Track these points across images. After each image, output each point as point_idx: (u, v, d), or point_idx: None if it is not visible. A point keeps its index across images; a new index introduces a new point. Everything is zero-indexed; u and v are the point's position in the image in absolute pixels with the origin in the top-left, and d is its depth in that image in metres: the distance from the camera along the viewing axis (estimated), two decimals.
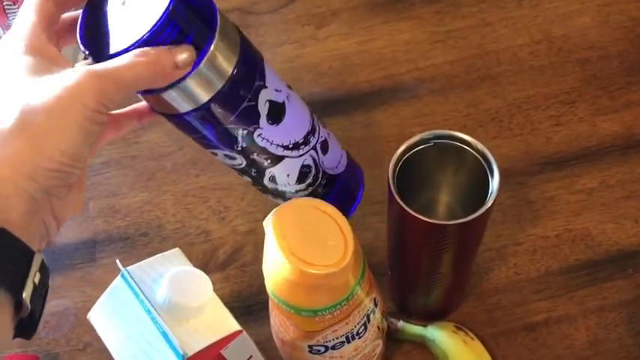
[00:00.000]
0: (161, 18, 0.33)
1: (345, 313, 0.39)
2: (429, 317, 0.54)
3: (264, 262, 0.37)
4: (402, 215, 0.41)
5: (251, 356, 0.42)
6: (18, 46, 0.33)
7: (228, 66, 0.37)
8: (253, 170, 0.44)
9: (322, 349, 0.42)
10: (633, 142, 0.63)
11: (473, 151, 0.41)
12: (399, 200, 0.40)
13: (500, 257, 0.58)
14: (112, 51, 0.34)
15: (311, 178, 0.45)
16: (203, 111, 0.38)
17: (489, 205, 0.39)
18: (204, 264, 0.59)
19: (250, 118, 0.39)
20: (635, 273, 0.57)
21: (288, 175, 0.44)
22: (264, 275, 0.38)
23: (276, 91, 0.41)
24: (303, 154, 0.43)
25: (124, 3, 0.36)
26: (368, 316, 0.43)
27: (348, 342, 0.42)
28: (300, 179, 0.44)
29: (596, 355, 0.54)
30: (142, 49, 0.33)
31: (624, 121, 0.64)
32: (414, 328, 0.53)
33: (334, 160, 0.47)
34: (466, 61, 0.68)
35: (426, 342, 0.53)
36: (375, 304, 0.44)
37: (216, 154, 0.43)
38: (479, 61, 0.68)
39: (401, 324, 0.54)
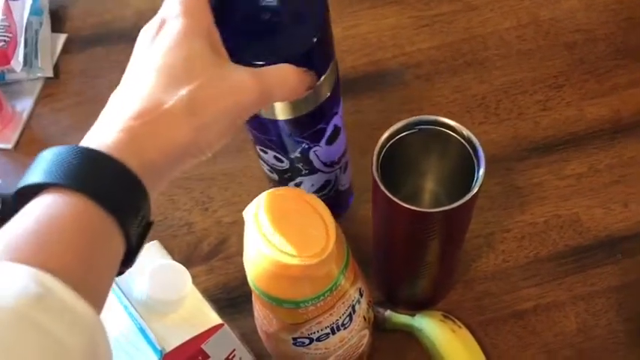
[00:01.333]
0: (311, 44, 0.35)
1: (329, 305, 0.38)
2: (417, 306, 0.54)
3: (245, 253, 0.36)
4: (387, 203, 0.40)
5: (234, 350, 0.41)
6: (191, 25, 0.32)
7: (324, 94, 0.40)
8: (289, 174, 0.47)
9: (307, 341, 0.41)
10: (621, 126, 0.62)
11: (458, 137, 0.40)
12: (383, 188, 0.39)
13: (488, 244, 0.57)
14: (254, 55, 0.34)
15: (326, 190, 0.50)
16: (286, 122, 0.41)
17: (475, 191, 0.38)
18: (187, 256, 0.58)
19: (317, 137, 0.44)
20: (624, 258, 0.56)
21: (312, 185, 0.49)
22: (245, 267, 0.37)
23: (340, 117, 0.45)
24: (331, 172, 0.49)
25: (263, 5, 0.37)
26: (353, 307, 0.42)
27: (333, 333, 0.41)
28: (319, 190, 0.50)
29: (586, 342, 0.53)
30: (295, 67, 0.34)
31: (612, 104, 0.63)
32: (402, 318, 0.53)
33: (347, 180, 0.53)
34: (452, 45, 0.67)
35: (414, 331, 0.52)
36: (361, 294, 0.43)
37: (265, 152, 0.45)
38: (465, 46, 0.67)
39: (388, 313, 0.53)
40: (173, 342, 0.34)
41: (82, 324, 0.25)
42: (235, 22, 0.36)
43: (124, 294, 0.36)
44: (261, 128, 0.42)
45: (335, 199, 0.53)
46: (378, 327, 0.53)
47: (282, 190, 0.35)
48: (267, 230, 0.34)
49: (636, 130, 0.62)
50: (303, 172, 0.47)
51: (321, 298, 0.37)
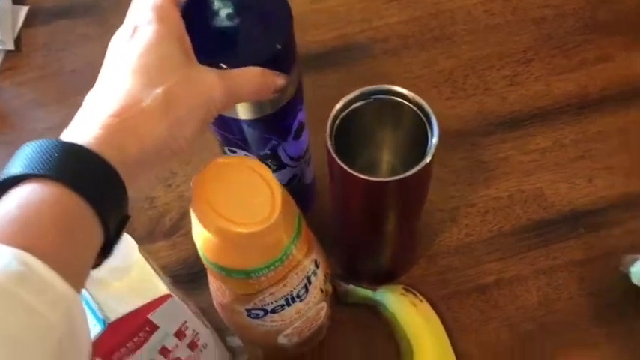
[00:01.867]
0: (275, 51, 0.37)
1: (281, 274, 0.38)
2: (380, 280, 0.53)
3: (193, 224, 0.35)
4: (342, 174, 0.39)
5: (185, 322, 0.40)
6: (163, 30, 0.34)
7: (290, 93, 0.42)
8: None
9: (261, 312, 0.41)
10: (587, 101, 0.62)
11: (412, 106, 0.40)
12: (336, 158, 0.39)
13: (451, 219, 0.57)
14: (220, 60, 0.36)
15: (293, 184, 0.50)
16: (255, 122, 0.41)
17: (428, 160, 0.38)
18: (149, 232, 0.58)
19: (284, 133, 0.44)
20: (587, 233, 0.56)
21: (279, 180, 0.49)
22: (194, 238, 0.37)
23: (304, 112, 0.46)
24: (297, 166, 0.49)
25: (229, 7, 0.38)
26: (308, 278, 0.41)
27: (288, 305, 0.41)
28: (286, 184, 0.50)
29: (547, 315, 0.53)
30: (260, 70, 0.36)
31: (579, 80, 0.63)
32: (363, 291, 0.52)
33: (311, 173, 0.54)
34: (420, 20, 0.67)
35: (375, 305, 0.52)
36: (317, 266, 0.42)
37: (234, 152, 0.46)
38: (433, 21, 0.67)
39: (350, 287, 0.53)
40: (117, 311, 0.34)
41: (62, 301, 0.26)
42: (204, 28, 0.37)
43: None
44: (230, 129, 0.43)
45: (301, 193, 0.53)
46: (340, 301, 0.53)
47: (228, 158, 0.35)
48: (212, 199, 0.33)
49: (603, 105, 0.62)
50: (272, 169, 0.48)
51: (272, 267, 0.36)
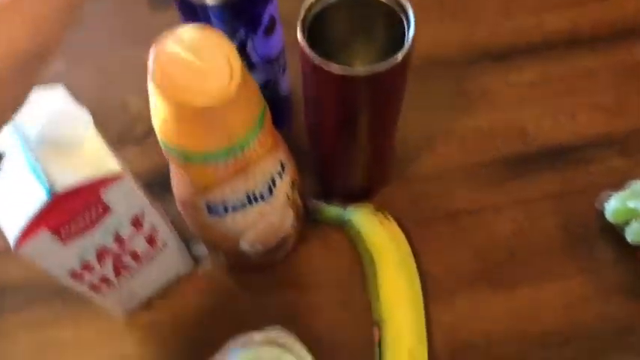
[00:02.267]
0: None
1: (241, 166, 0.36)
2: (351, 200, 0.52)
3: (151, 103, 0.34)
4: (313, 68, 0.38)
5: (143, 211, 0.39)
6: None
7: None
8: None
9: (221, 209, 0.40)
10: (578, 38, 0.61)
11: (387, 2, 0.38)
12: (306, 49, 0.37)
13: (429, 145, 0.56)
14: None
15: (267, 90, 0.49)
16: (222, 7, 0.40)
17: (402, 55, 0.36)
18: (120, 136, 0.56)
19: (254, 24, 0.43)
20: (566, 168, 0.55)
21: None
22: (153, 120, 0.35)
23: (276, 7, 0.45)
24: (270, 70, 0.48)
25: None
26: (273, 179, 0.40)
27: (250, 203, 0.40)
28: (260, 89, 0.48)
29: (520, 247, 0.53)
30: None
31: (571, 16, 0.61)
32: (332, 209, 0.52)
33: (286, 85, 0.52)
34: None
35: (344, 223, 0.51)
36: (282, 169, 0.41)
37: None
38: None
39: (320, 204, 0.52)
40: (64, 182, 0.32)
41: None
42: None
43: (20, 134, 0.34)
44: (197, 17, 0.41)
45: (276, 104, 0.51)
46: (311, 218, 0.52)
47: (187, 29, 0.33)
48: (164, 71, 0.31)
49: (592, 43, 0.60)
50: None
51: (231, 154, 0.35)
